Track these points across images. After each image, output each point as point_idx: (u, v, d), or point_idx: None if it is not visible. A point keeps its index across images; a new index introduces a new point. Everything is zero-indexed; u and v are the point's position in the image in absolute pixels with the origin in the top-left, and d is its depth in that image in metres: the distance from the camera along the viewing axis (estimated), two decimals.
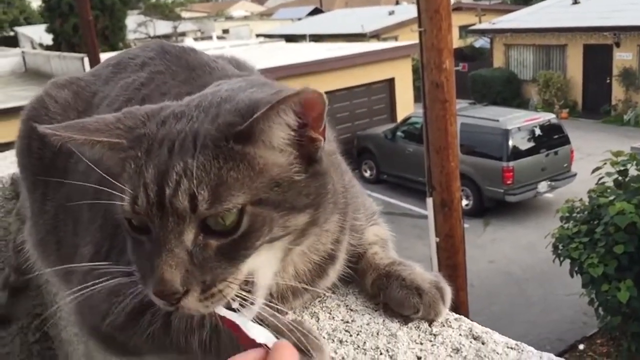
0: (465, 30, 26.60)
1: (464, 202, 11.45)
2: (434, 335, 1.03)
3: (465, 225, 7.57)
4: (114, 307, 1.09)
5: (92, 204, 1.26)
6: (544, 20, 22.05)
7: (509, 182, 12.74)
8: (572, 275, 7.87)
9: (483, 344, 0.99)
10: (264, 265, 0.93)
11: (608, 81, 20.00)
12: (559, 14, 22.12)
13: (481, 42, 26.40)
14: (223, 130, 0.88)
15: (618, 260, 7.29)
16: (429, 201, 7.44)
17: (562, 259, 7.94)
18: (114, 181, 0.93)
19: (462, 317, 1.08)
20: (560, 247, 7.94)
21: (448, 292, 1.09)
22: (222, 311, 0.88)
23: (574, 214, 8.10)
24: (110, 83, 1.48)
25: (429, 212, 7.45)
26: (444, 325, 1.06)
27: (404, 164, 13.78)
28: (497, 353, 0.96)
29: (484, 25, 25.45)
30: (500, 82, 21.97)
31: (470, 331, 1.03)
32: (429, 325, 1.06)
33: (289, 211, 0.91)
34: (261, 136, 0.89)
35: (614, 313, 7.58)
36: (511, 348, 0.97)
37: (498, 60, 23.51)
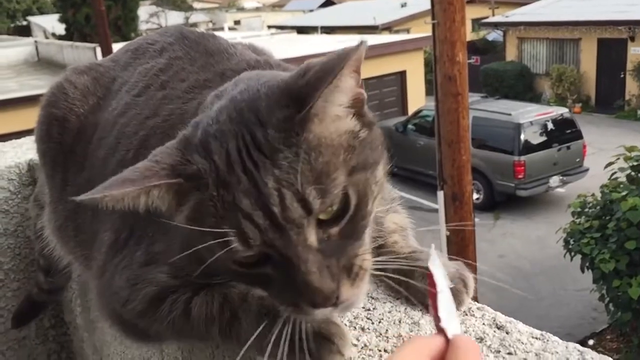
0: (478, 23, 26.42)
1: (475, 195, 11.40)
2: None
3: (476, 219, 7.55)
4: (134, 294, 1.09)
5: None
6: (558, 14, 21.86)
7: (520, 176, 12.68)
8: (582, 271, 7.84)
9: (507, 333, 0.98)
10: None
11: (622, 76, 19.81)
12: (573, 7, 21.91)
13: (494, 35, 26.20)
14: (285, 127, 0.84)
15: (630, 256, 7.25)
16: (440, 194, 7.42)
17: (573, 254, 7.90)
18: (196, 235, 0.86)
19: (485, 306, 1.07)
20: (572, 242, 7.90)
21: (471, 281, 1.08)
22: (436, 270, 0.76)
23: (586, 209, 8.06)
24: (129, 69, 1.47)
25: (440, 205, 7.42)
26: (466, 315, 1.05)
27: (414, 157, 13.73)
28: (522, 342, 0.95)
29: (497, 18, 25.26)
30: (513, 75, 21.82)
31: (494, 320, 1.02)
32: None
33: (373, 166, 0.89)
34: (322, 113, 0.85)
35: (624, 309, 7.54)
36: (536, 338, 0.96)
37: (511, 54, 23.35)
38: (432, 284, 0.73)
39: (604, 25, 19.89)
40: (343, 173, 0.84)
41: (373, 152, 0.91)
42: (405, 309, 1.08)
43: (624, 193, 7.49)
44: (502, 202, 13.06)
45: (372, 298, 1.13)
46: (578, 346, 0.92)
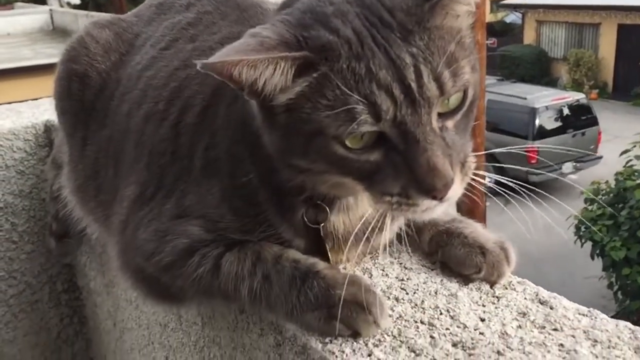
0: (496, 4, 26.01)
1: (486, 179, 11.29)
2: (497, 297, 0.98)
3: (487, 203, 7.48)
4: (162, 246, 1.05)
5: (137, 143, 1.21)
6: None
7: (533, 161, 12.55)
8: (592, 258, 7.79)
9: (552, 308, 0.93)
10: None
11: None
12: None
13: (512, 18, 25.81)
14: (416, 12, 0.83)
15: None
16: None
17: (583, 241, 7.84)
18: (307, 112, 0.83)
19: (526, 280, 1.02)
20: (583, 229, 7.83)
21: (513, 252, 1.03)
22: None
23: (599, 196, 7.98)
24: (154, 24, 1.42)
25: None
26: (506, 288, 1.00)
27: None
28: (568, 319, 0.90)
29: (517, 0, 24.88)
30: (530, 59, 21.50)
31: (537, 295, 0.97)
32: (491, 288, 1.00)
33: (477, 73, 0.90)
34: (451, 7, 0.86)
35: (633, 297, 7.52)
36: (583, 315, 0.91)
37: (529, 37, 22.99)
38: None
39: (625, 10, 19.51)
40: (468, 67, 0.85)
41: (477, 62, 0.90)
42: (442, 280, 1.03)
43: (638, 181, 7.42)
44: (513, 186, 12.93)
45: (406, 268, 1.08)
46: (629, 325, 0.87)
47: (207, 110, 1.10)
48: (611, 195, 7.86)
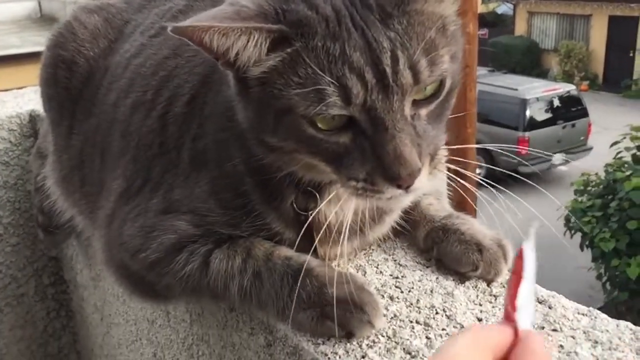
0: None
1: (477, 170, 11.31)
2: (494, 296, 0.95)
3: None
4: (148, 242, 1.01)
5: (124, 134, 1.18)
6: None
7: (523, 152, 12.58)
8: (582, 249, 7.82)
9: (550, 308, 0.91)
10: None
11: (631, 54, 19.55)
12: None
13: (504, 9, 25.77)
14: None
15: (630, 236, 7.24)
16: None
17: (573, 232, 7.87)
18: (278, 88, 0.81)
19: None
20: (572, 220, 7.86)
21: (510, 250, 1.00)
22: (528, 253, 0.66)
23: (589, 188, 8.01)
24: (144, 11, 1.38)
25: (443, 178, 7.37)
26: (504, 287, 0.98)
27: None
28: (568, 319, 0.88)
29: None
30: (521, 50, 21.50)
31: (535, 294, 0.94)
32: (488, 286, 0.98)
33: (458, 62, 0.87)
34: None
35: (621, 288, 7.56)
36: (583, 314, 0.88)
37: (520, 28, 22.98)
38: (519, 268, 0.63)
39: (616, 2, 19.54)
40: (447, 55, 0.82)
41: (459, 50, 0.87)
42: (437, 278, 1.01)
43: (628, 173, 7.45)
44: (503, 177, 12.96)
45: (400, 265, 1.05)
46: (630, 325, 0.84)
47: (196, 99, 1.07)
48: (601, 186, 7.89)
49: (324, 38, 0.79)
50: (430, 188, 1.11)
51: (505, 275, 0.99)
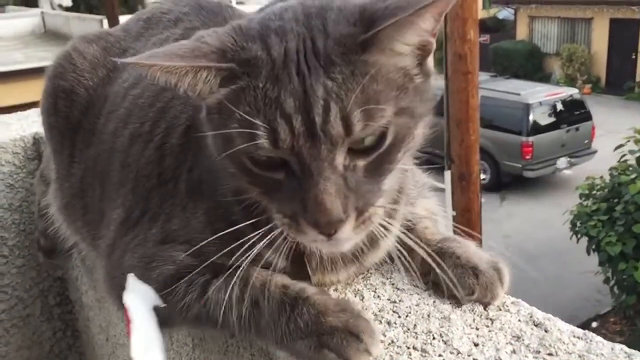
0: (489, 1, 25.99)
1: (481, 176, 11.28)
2: (491, 320, 0.96)
3: (482, 200, 7.48)
4: (147, 273, 1.03)
5: (123, 164, 1.20)
6: None
7: (527, 157, 12.57)
8: (588, 253, 7.80)
9: (546, 331, 0.91)
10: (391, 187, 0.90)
11: (633, 57, 19.53)
12: None
13: (505, 14, 25.81)
14: (346, 44, 0.81)
15: (636, 239, 7.23)
16: (447, 174, 7.32)
17: (579, 236, 7.85)
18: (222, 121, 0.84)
19: (519, 300, 1.00)
20: (578, 224, 7.84)
21: (507, 273, 1.01)
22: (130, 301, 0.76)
23: (594, 192, 7.99)
24: (142, 39, 1.40)
25: (447, 185, 7.34)
26: (500, 309, 0.98)
27: None
28: (563, 342, 0.88)
29: None
30: (523, 55, 21.51)
31: (531, 317, 0.95)
32: (485, 309, 0.99)
33: (418, 118, 0.87)
34: (389, 44, 0.83)
35: (629, 292, 7.52)
36: (578, 337, 0.89)
37: (521, 33, 22.99)
38: (128, 320, 0.67)
39: (617, 5, 19.54)
40: (391, 108, 0.82)
41: (422, 104, 0.88)
42: (434, 302, 1.01)
43: (633, 176, 7.43)
44: (508, 182, 12.96)
45: (398, 289, 1.06)
46: (625, 348, 0.85)
47: (191, 130, 1.08)
48: (606, 190, 7.86)
49: (266, 80, 0.81)
50: (426, 212, 1.12)
51: (502, 298, 1.00)
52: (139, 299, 0.64)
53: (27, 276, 2.31)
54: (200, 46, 0.84)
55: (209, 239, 0.95)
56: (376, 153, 0.84)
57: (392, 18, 0.79)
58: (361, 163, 0.84)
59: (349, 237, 0.84)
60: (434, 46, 0.88)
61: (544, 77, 20.60)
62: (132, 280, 0.68)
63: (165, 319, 1.08)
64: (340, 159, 0.82)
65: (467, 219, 7.36)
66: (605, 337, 0.86)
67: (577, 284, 9.48)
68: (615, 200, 7.61)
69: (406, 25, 0.81)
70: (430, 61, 0.91)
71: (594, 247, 7.67)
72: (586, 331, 0.90)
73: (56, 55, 1.47)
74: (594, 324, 8.64)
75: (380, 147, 0.83)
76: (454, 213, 7.21)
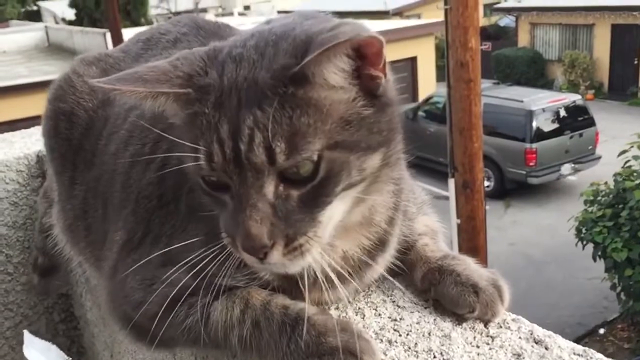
0: (490, 9, 26.07)
1: (485, 183, 11.28)
2: (492, 337, 0.96)
3: (486, 207, 7.47)
4: (149, 296, 1.03)
5: (124, 186, 1.21)
6: None
7: (531, 163, 12.55)
8: (594, 260, 7.77)
9: (547, 349, 0.92)
10: (334, 218, 0.90)
11: (636, 62, 19.53)
12: None
13: (506, 21, 25.88)
14: (279, 77, 0.84)
15: None
16: (451, 182, 7.33)
17: (585, 242, 7.82)
18: (181, 141, 0.89)
19: (520, 317, 1.00)
20: (584, 230, 7.82)
21: (506, 290, 1.02)
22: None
23: (599, 198, 7.96)
24: (141, 60, 1.41)
25: (451, 193, 7.34)
26: (501, 327, 0.99)
27: (425, 144, 13.61)
28: None
29: (510, 3, 24.91)
30: (525, 61, 21.55)
31: (531, 334, 0.96)
32: (485, 326, 0.99)
33: (364, 152, 0.87)
34: (317, 77, 0.84)
35: (636, 298, 7.47)
36: (578, 355, 0.89)
37: (523, 40, 23.03)
38: None
39: (619, 10, 19.55)
40: (321, 142, 0.83)
41: (372, 135, 0.88)
42: (435, 319, 1.02)
43: (637, 181, 7.41)
44: (513, 189, 12.94)
45: (399, 306, 1.07)
46: None
47: None
48: (611, 196, 7.84)
49: (212, 106, 0.86)
50: (426, 229, 1.13)
51: (502, 316, 1.00)
52: (39, 353, 0.69)
53: (32, 293, 2.32)
54: (170, 70, 0.89)
55: (209, 260, 0.96)
56: (310, 185, 0.85)
57: (317, 51, 0.80)
58: (295, 193, 0.85)
59: (279, 261, 0.86)
60: (383, 80, 0.89)
61: (546, 84, 20.60)
62: (28, 336, 0.73)
63: (167, 341, 1.08)
64: (270, 187, 0.84)
65: (471, 227, 7.36)
66: (613, 344, 0.86)
67: (584, 290, 9.44)
68: (621, 206, 7.58)
69: (324, 63, 0.83)
70: (389, 90, 0.92)
71: (600, 253, 7.63)
72: (586, 348, 0.91)
73: (56, 79, 1.49)
74: (602, 331, 8.59)
75: (314, 179, 0.85)
76: (459, 221, 7.21)
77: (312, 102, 0.84)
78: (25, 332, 0.70)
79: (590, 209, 7.93)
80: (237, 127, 0.83)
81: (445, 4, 6.88)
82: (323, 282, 0.97)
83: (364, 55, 0.86)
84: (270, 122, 0.81)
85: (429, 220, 1.18)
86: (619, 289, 7.71)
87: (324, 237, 0.89)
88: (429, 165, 13.70)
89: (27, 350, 0.68)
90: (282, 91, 0.83)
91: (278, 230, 0.84)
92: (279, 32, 0.89)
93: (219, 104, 0.85)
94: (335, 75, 0.85)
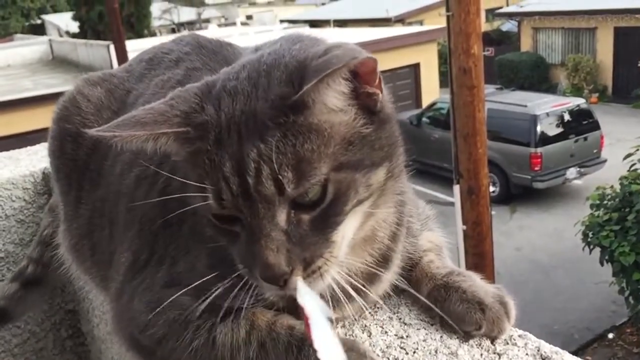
0: (492, 14, 26.07)
1: (491, 188, 11.25)
2: (498, 354, 0.96)
3: (492, 212, 7.45)
4: (155, 318, 1.04)
5: (129, 207, 1.21)
6: (573, 3, 21.48)
7: (536, 168, 12.53)
8: (602, 264, 7.73)
9: None
10: (347, 236, 0.91)
11: (639, 65, 19.49)
12: None
13: (508, 26, 25.88)
14: (278, 106, 0.84)
15: None
16: (456, 188, 7.32)
17: (592, 247, 7.79)
18: (187, 181, 0.89)
19: (527, 333, 1.00)
20: (590, 234, 7.79)
21: (512, 306, 1.01)
22: (306, 302, 0.84)
23: (605, 201, 7.93)
24: (145, 80, 1.42)
25: (456, 199, 7.33)
26: (507, 343, 0.99)
27: (429, 151, 13.60)
28: None
29: (512, 8, 24.92)
30: (528, 66, 21.54)
31: (538, 350, 0.95)
32: (492, 343, 0.99)
33: (369, 168, 0.88)
34: (317, 103, 0.85)
35: None
36: None
37: (526, 44, 23.04)
38: (306, 318, 0.79)
39: (621, 13, 19.53)
40: (327, 165, 0.84)
41: (374, 151, 0.89)
42: (441, 336, 1.02)
43: None
44: (518, 194, 12.91)
45: (405, 324, 1.07)
46: None
47: None
48: (617, 199, 7.81)
49: (213, 143, 0.86)
50: (430, 245, 1.13)
51: (509, 332, 1.00)
52: (312, 298, 0.74)
53: (39, 309, 2.33)
54: (167, 110, 0.89)
55: (213, 282, 0.96)
56: (319, 208, 0.86)
57: (315, 78, 0.80)
58: (306, 217, 0.86)
59: (299, 286, 0.86)
60: (380, 96, 0.90)
61: (550, 88, 20.59)
62: (300, 285, 0.78)
63: None
64: (282, 215, 0.85)
65: (477, 233, 7.34)
66: (622, 348, 0.86)
67: (592, 295, 9.39)
68: (627, 210, 7.55)
69: (322, 89, 0.84)
70: (386, 105, 0.93)
71: (607, 257, 7.60)
72: None
73: (61, 99, 1.50)
74: (611, 335, 8.53)
75: (323, 202, 0.85)
76: (465, 227, 7.20)
77: (314, 127, 0.84)
78: (299, 280, 0.78)
79: (596, 213, 7.90)
80: (242, 161, 0.83)
81: (447, 10, 6.89)
82: (329, 300, 0.97)
83: (359, 75, 0.87)
84: (274, 153, 0.82)
85: (433, 236, 1.18)
86: (627, 292, 7.66)
87: (340, 256, 0.90)
88: (434, 172, 13.70)
89: (300, 297, 0.75)
90: (283, 120, 0.83)
91: (295, 255, 0.85)
92: (269, 61, 0.90)
93: (220, 140, 0.86)
94: (335, 99, 0.86)
